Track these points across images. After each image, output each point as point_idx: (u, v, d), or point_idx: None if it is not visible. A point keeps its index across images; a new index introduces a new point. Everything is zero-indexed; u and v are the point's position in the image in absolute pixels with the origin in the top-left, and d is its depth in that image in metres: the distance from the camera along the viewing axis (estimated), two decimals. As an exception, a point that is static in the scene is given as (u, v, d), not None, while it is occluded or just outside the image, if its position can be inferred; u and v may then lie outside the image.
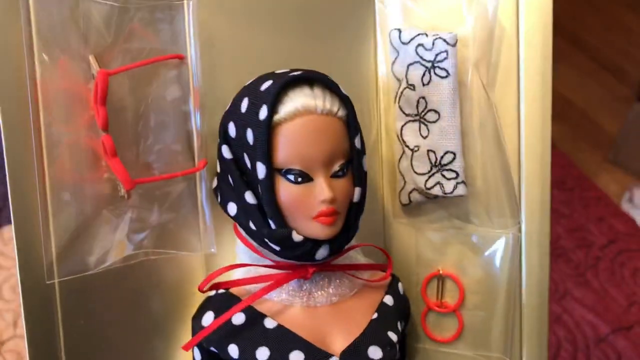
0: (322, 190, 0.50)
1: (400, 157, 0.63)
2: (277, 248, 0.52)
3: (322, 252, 0.52)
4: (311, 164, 0.50)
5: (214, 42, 0.58)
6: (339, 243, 0.53)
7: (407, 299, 0.61)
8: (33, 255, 0.52)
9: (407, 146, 0.62)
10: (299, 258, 0.52)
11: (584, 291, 1.15)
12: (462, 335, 0.64)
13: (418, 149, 0.61)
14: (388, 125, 0.64)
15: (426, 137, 0.61)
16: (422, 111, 0.60)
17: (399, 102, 0.62)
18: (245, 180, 0.52)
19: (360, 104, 0.53)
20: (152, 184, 0.56)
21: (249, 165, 0.52)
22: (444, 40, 0.58)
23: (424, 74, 0.60)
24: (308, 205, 0.51)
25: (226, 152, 0.53)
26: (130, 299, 0.57)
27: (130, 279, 0.57)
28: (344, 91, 0.52)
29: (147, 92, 0.55)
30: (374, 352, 0.53)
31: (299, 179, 0.50)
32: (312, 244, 0.51)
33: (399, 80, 0.62)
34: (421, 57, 0.60)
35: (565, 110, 1.40)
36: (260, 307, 0.54)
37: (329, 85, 0.51)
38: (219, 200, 0.56)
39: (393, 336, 0.55)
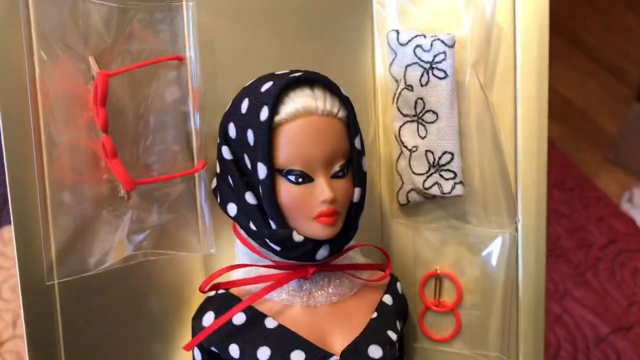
0: (322, 190, 0.51)
1: (398, 157, 0.63)
2: (278, 248, 0.52)
3: (322, 252, 0.52)
4: (312, 164, 0.50)
5: (213, 43, 0.58)
6: (339, 243, 0.53)
7: (406, 299, 0.61)
8: (33, 256, 0.52)
9: (405, 146, 0.62)
10: (299, 258, 0.52)
11: (584, 291, 1.15)
12: (460, 334, 0.64)
13: (416, 150, 0.61)
14: (386, 125, 0.65)
15: (424, 137, 0.61)
16: (420, 112, 0.61)
17: (396, 103, 0.62)
18: (246, 180, 0.53)
19: (358, 105, 0.53)
20: (151, 185, 0.56)
21: (249, 165, 0.52)
22: (442, 42, 0.58)
23: (422, 75, 0.60)
24: (308, 206, 0.51)
25: (226, 153, 0.53)
26: (129, 299, 0.57)
27: (129, 280, 0.57)
28: (344, 92, 0.52)
29: (146, 93, 0.56)
30: (374, 351, 0.53)
31: (300, 180, 0.51)
32: (313, 244, 0.52)
33: (396, 81, 0.62)
34: (419, 58, 0.60)
35: (565, 110, 1.40)
36: (261, 307, 0.54)
37: (329, 87, 0.52)
38: (218, 200, 0.56)
39: (393, 335, 0.55)
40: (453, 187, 0.60)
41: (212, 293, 0.56)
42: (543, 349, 0.62)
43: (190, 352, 0.56)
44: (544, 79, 0.59)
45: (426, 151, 0.61)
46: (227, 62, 0.59)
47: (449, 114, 0.59)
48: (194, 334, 0.55)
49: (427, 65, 0.59)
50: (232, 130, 0.53)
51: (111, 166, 0.53)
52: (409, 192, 0.63)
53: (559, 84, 1.41)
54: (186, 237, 0.58)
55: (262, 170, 0.50)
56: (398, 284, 0.60)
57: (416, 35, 0.60)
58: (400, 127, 0.62)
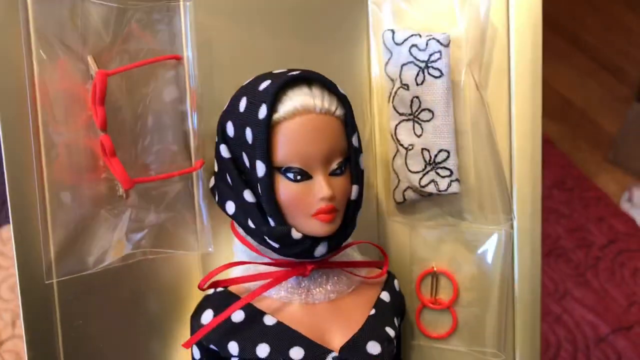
0: (321, 188, 0.51)
1: (394, 156, 0.63)
2: (277, 246, 0.52)
3: (320, 250, 0.52)
4: (310, 162, 0.51)
5: (210, 43, 0.58)
6: (337, 240, 0.53)
7: (403, 296, 0.61)
8: (32, 255, 0.52)
9: (402, 145, 0.62)
10: (298, 255, 0.53)
11: (584, 291, 1.15)
12: (456, 331, 0.64)
13: (412, 148, 0.61)
14: (382, 124, 0.65)
15: (420, 135, 0.61)
16: (416, 110, 0.61)
17: (392, 102, 0.62)
18: (244, 179, 0.53)
19: (353, 105, 0.54)
20: (149, 184, 0.56)
21: (247, 164, 0.52)
22: (438, 41, 0.59)
23: (417, 74, 0.60)
24: (307, 203, 0.51)
25: (224, 152, 0.54)
26: (128, 298, 0.57)
27: (128, 279, 0.57)
28: (341, 90, 0.53)
29: (144, 93, 0.56)
30: (373, 347, 0.53)
31: (299, 177, 0.51)
32: (311, 241, 0.52)
33: (392, 80, 0.62)
34: (415, 58, 0.60)
35: (565, 110, 1.40)
36: (260, 304, 0.54)
37: (327, 85, 0.52)
38: (216, 199, 0.56)
39: (391, 332, 0.56)
40: (449, 185, 0.60)
41: (211, 291, 0.56)
42: (539, 345, 0.62)
43: (189, 350, 0.56)
44: (537, 79, 0.59)
45: (422, 149, 0.61)
46: (225, 62, 0.59)
47: (445, 112, 0.59)
48: (192, 332, 0.55)
49: (422, 65, 0.60)
50: (230, 129, 0.53)
51: (110, 165, 0.53)
52: (405, 190, 0.63)
53: (559, 84, 1.41)
54: (184, 235, 0.58)
55: (260, 168, 0.50)
56: (395, 282, 0.61)
57: (412, 35, 0.60)
58: (396, 125, 0.62)
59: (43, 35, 0.51)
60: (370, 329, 0.54)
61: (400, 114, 0.62)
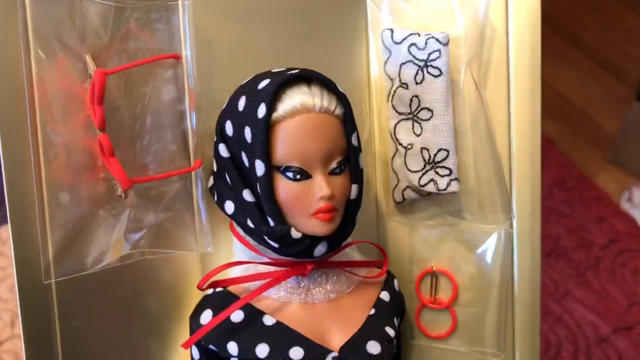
0: (320, 187, 0.51)
1: (394, 155, 0.63)
2: (276, 245, 0.52)
3: (320, 249, 0.52)
4: (310, 161, 0.51)
5: (209, 42, 0.58)
6: (336, 240, 0.53)
7: (403, 296, 0.61)
8: (30, 255, 0.52)
9: (401, 144, 0.62)
10: (298, 255, 0.52)
11: (584, 291, 1.15)
12: (456, 331, 0.64)
13: (411, 147, 0.61)
14: (381, 124, 0.65)
15: (419, 135, 0.61)
16: (415, 109, 0.61)
17: (391, 101, 0.62)
18: (243, 178, 0.53)
19: (352, 104, 0.54)
20: (148, 184, 0.56)
21: (246, 163, 0.52)
22: (437, 40, 0.59)
23: (416, 73, 0.60)
24: (307, 202, 0.51)
25: (223, 151, 0.53)
26: (127, 298, 0.57)
27: (126, 279, 0.57)
28: (340, 89, 0.52)
29: (143, 92, 0.56)
30: (373, 347, 0.53)
31: (298, 176, 0.51)
32: (311, 240, 0.52)
33: (391, 79, 0.62)
34: (414, 57, 0.60)
35: (564, 110, 1.40)
36: (259, 304, 0.54)
37: (326, 84, 0.52)
38: (215, 199, 0.56)
39: (390, 331, 0.55)
40: (448, 184, 0.60)
41: (210, 291, 0.56)
42: (539, 344, 0.62)
43: (188, 350, 0.56)
44: (537, 78, 0.59)
45: (421, 148, 0.61)
46: (223, 61, 0.59)
47: (444, 111, 0.59)
48: (191, 332, 0.55)
49: (421, 63, 0.60)
50: (229, 128, 0.53)
51: (108, 165, 0.53)
52: (404, 189, 0.63)
53: (559, 84, 1.41)
54: (183, 235, 0.58)
55: (259, 168, 0.50)
56: (395, 281, 0.60)
57: (410, 34, 0.60)
58: (396, 125, 0.62)
59: (41, 34, 0.51)
60: (370, 328, 0.54)
61: (400, 113, 0.62)
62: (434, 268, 0.64)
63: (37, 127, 0.52)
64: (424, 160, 0.61)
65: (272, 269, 0.54)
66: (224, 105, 0.55)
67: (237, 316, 0.53)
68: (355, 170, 0.53)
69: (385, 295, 0.58)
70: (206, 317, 0.54)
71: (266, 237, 0.52)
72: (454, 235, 0.63)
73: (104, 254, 0.54)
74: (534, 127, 0.60)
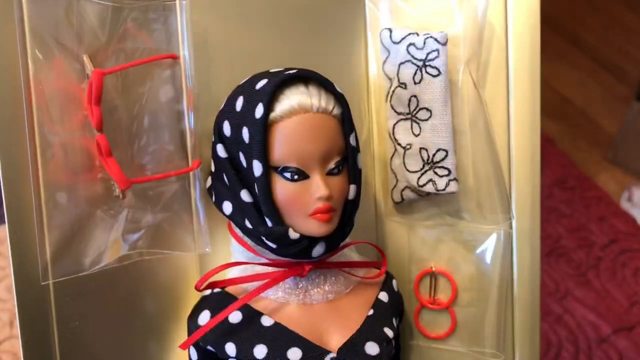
0: (318, 187, 0.51)
1: (392, 155, 0.63)
2: (274, 246, 0.52)
3: (318, 250, 0.52)
4: (307, 161, 0.50)
5: (207, 42, 0.58)
6: (334, 240, 0.53)
7: (401, 296, 0.61)
8: (28, 256, 0.52)
9: (399, 144, 0.62)
10: (295, 255, 0.52)
11: (585, 291, 1.15)
12: (455, 331, 0.64)
13: (410, 147, 0.61)
14: (379, 124, 0.65)
15: (418, 135, 0.61)
16: (414, 109, 0.61)
17: (390, 101, 0.62)
18: (241, 178, 0.53)
19: (351, 104, 0.53)
20: (146, 184, 0.56)
21: (244, 163, 0.52)
22: (435, 39, 0.58)
23: (415, 73, 0.60)
24: (304, 203, 0.51)
25: (221, 151, 0.53)
26: (124, 299, 0.57)
27: (124, 280, 0.57)
28: (338, 89, 0.52)
29: (140, 92, 0.56)
30: (371, 347, 0.53)
31: (296, 177, 0.51)
32: (309, 241, 0.51)
33: (390, 79, 0.62)
34: (412, 56, 0.60)
35: (564, 110, 1.40)
36: (257, 305, 0.54)
37: (324, 84, 0.52)
38: (213, 199, 0.56)
39: (389, 332, 0.55)
40: (447, 184, 0.60)
41: (208, 292, 0.56)
42: (539, 344, 0.62)
43: (186, 351, 0.56)
44: (536, 78, 0.59)
45: (420, 149, 0.61)
46: (221, 61, 0.59)
47: (443, 111, 0.59)
48: (189, 333, 0.55)
49: (420, 63, 0.60)
50: (226, 128, 0.53)
51: (106, 165, 0.53)
52: (403, 189, 0.63)
53: (559, 84, 1.41)
54: (181, 236, 0.58)
55: (257, 168, 0.50)
56: (394, 282, 0.60)
57: (409, 34, 0.60)
58: (394, 125, 0.62)
59: (38, 34, 0.51)
60: (369, 329, 0.54)
61: (398, 113, 0.62)
62: (433, 268, 0.64)
63: (35, 127, 0.52)
64: (423, 160, 0.61)
65: (270, 269, 0.54)
66: (222, 106, 0.54)
67: (235, 317, 0.53)
68: (353, 171, 0.53)
69: (383, 296, 0.58)
70: (204, 318, 0.54)
71: (264, 238, 0.52)
72: (453, 236, 0.63)
73: (102, 254, 0.54)
74: (533, 127, 0.60)
